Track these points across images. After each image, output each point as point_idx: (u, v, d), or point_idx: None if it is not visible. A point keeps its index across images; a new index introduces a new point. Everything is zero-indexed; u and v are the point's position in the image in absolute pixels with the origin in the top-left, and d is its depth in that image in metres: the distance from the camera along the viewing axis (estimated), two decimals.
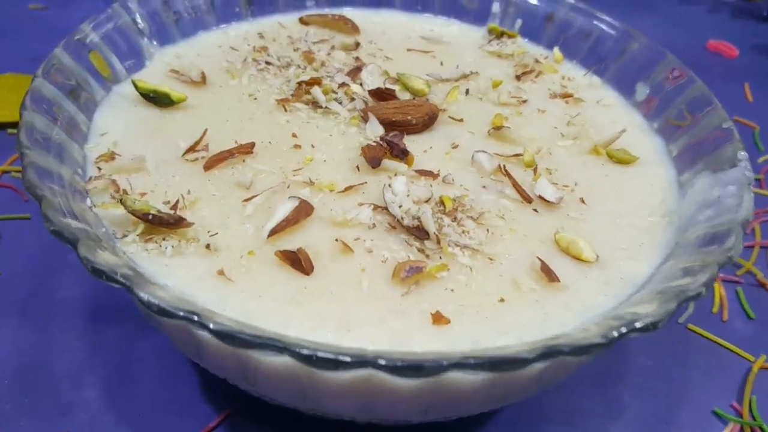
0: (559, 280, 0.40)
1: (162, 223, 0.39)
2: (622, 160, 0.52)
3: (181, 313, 0.31)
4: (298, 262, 0.38)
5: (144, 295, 0.31)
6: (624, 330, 0.34)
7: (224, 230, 0.41)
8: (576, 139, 0.54)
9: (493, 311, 0.38)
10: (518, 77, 0.61)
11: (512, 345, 0.35)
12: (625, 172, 0.51)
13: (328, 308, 0.37)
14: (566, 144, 0.54)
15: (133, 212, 0.39)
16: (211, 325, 0.31)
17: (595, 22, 0.66)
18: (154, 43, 0.58)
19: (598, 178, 0.51)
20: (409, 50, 0.65)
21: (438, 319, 0.37)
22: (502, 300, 0.39)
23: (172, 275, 0.38)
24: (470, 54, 0.66)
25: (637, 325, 0.34)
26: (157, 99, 0.51)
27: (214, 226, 0.41)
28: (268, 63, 0.58)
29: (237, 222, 0.41)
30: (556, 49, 0.66)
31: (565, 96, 0.59)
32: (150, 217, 0.39)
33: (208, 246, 0.39)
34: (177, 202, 0.42)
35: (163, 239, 0.39)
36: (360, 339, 0.36)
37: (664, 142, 0.55)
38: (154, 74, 0.55)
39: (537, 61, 0.63)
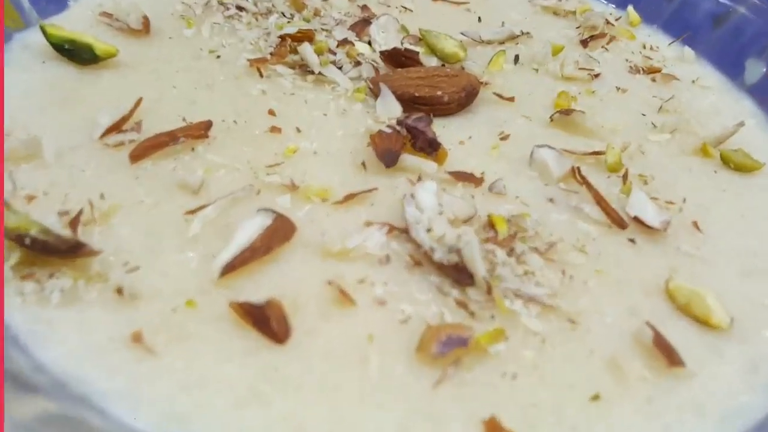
0: (683, 365, 0.30)
1: (48, 251, 0.30)
2: (741, 166, 0.43)
3: None
4: (265, 321, 0.29)
5: None
6: None
7: (151, 262, 0.31)
8: (674, 132, 0.45)
9: (584, 419, 0.28)
10: (584, 42, 0.54)
11: None
12: (746, 184, 0.42)
13: (313, 409, 0.27)
14: (661, 139, 0.45)
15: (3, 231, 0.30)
16: None
17: None
18: None
19: (712, 191, 0.41)
20: (435, 0, 0.57)
21: None
22: (596, 398, 0.29)
23: (55, 342, 0.28)
24: (517, 9, 0.58)
25: None
26: (75, 53, 0.42)
27: (136, 255, 0.32)
28: (240, 8, 0.50)
29: (173, 248, 0.32)
30: (630, 9, 0.59)
31: (651, 71, 0.51)
32: (27, 240, 0.29)
33: (119, 290, 0.30)
34: (80, 213, 0.32)
35: (50, 276, 0.30)
36: None
37: None
38: (78, 19, 0.46)
39: (608, 22, 0.56)
